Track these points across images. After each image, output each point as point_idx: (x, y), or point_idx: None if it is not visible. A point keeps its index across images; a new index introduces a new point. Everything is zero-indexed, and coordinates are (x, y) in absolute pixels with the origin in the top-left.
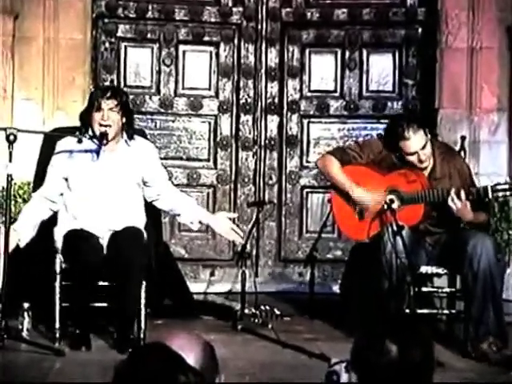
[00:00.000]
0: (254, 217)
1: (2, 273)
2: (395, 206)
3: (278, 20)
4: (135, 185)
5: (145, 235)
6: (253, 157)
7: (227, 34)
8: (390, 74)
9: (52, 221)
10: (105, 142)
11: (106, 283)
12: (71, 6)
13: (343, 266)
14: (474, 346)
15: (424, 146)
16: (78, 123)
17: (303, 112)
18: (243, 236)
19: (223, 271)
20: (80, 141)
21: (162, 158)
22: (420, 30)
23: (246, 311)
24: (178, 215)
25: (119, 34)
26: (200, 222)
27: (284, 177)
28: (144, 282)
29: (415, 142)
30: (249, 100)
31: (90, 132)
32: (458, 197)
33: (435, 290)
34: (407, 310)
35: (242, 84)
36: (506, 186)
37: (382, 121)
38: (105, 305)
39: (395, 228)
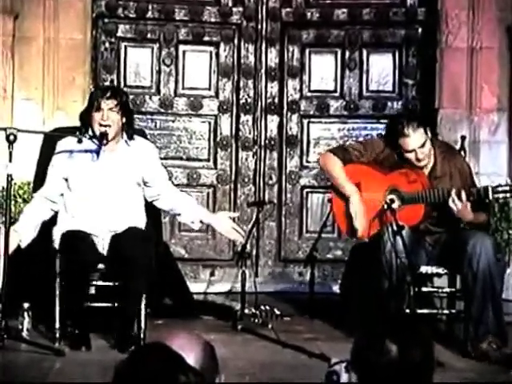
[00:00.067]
0: (254, 217)
1: (2, 273)
2: (395, 205)
3: (278, 20)
4: (135, 185)
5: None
6: (253, 157)
7: (227, 34)
8: (390, 74)
9: (52, 221)
10: (105, 142)
11: (107, 283)
12: (71, 5)
13: (343, 266)
14: (474, 346)
15: (423, 144)
16: (78, 123)
17: (303, 112)
18: (244, 235)
19: (223, 271)
20: (80, 141)
21: (161, 158)
22: (420, 29)
23: (246, 311)
24: (179, 215)
25: (119, 33)
26: (201, 222)
27: (284, 177)
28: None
29: (414, 139)
30: (249, 100)
31: (90, 132)
32: (459, 197)
33: (435, 289)
34: (407, 310)
35: (242, 84)
36: (507, 188)
37: (382, 121)
38: (105, 305)
39: (395, 228)
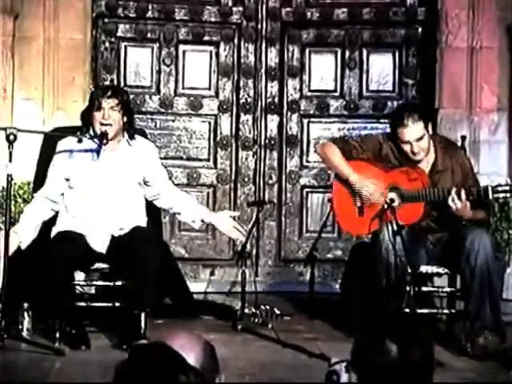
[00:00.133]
0: (254, 216)
1: (2, 273)
2: (396, 204)
3: (278, 20)
4: (137, 184)
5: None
6: (253, 156)
7: (227, 34)
8: (390, 74)
9: (53, 221)
10: (105, 141)
11: (107, 283)
12: (71, 5)
13: (343, 266)
14: (471, 341)
15: (420, 138)
16: (78, 123)
17: (303, 112)
18: (245, 234)
19: (223, 271)
20: (80, 140)
21: (162, 158)
22: (420, 29)
23: (246, 311)
24: (179, 214)
25: (119, 33)
26: (202, 221)
27: (284, 176)
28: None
29: (412, 131)
30: (249, 100)
31: (92, 132)
32: (459, 197)
33: (435, 289)
34: (407, 310)
35: (242, 84)
36: (507, 188)
37: (382, 121)
38: (105, 304)
39: (395, 227)
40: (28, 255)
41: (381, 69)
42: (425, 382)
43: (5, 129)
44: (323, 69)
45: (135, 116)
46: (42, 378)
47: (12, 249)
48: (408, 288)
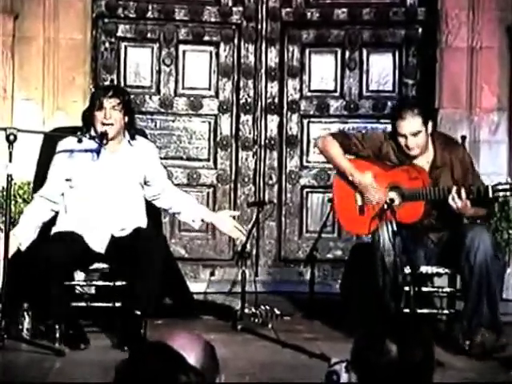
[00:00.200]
0: (254, 217)
1: (2, 273)
2: (396, 203)
3: (278, 20)
4: (137, 185)
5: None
6: (253, 157)
7: (227, 34)
8: (390, 74)
9: (53, 222)
10: (105, 141)
11: (107, 283)
12: (71, 5)
13: (343, 266)
14: (469, 340)
15: (416, 133)
16: (78, 123)
17: (303, 112)
18: (245, 234)
19: (223, 271)
20: (80, 141)
21: (162, 158)
22: (420, 29)
23: (246, 311)
24: (179, 213)
25: (119, 33)
26: (202, 220)
27: (284, 177)
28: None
29: (409, 124)
30: (249, 100)
31: (93, 132)
32: (459, 195)
33: (435, 289)
34: (407, 310)
35: (242, 84)
36: (507, 186)
37: (382, 121)
38: (105, 305)
39: (395, 227)
40: (28, 256)
41: (381, 69)
42: (425, 382)
43: (5, 129)
44: (323, 69)
45: (135, 116)
46: (42, 378)
47: (11, 251)
48: (408, 288)
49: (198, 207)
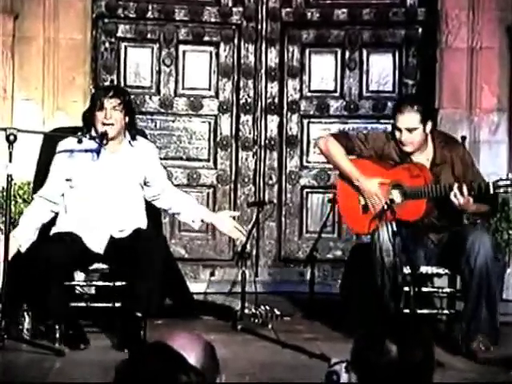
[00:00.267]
0: (254, 217)
1: (2, 274)
2: (399, 201)
3: (278, 20)
4: (137, 185)
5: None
6: (253, 157)
7: (227, 34)
8: (390, 74)
9: (53, 222)
10: (105, 141)
11: (107, 283)
12: (71, 5)
13: (343, 266)
14: (466, 345)
15: (412, 129)
16: (78, 123)
17: (303, 112)
18: (245, 234)
19: (223, 271)
20: (80, 141)
21: (162, 158)
22: (420, 29)
23: (246, 311)
24: (178, 214)
25: (119, 34)
26: (202, 221)
27: (284, 177)
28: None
29: (405, 118)
30: (249, 100)
31: (93, 132)
32: (461, 192)
33: (435, 290)
34: (407, 310)
35: (242, 84)
36: (508, 182)
37: (382, 121)
38: (105, 305)
39: (395, 228)
40: (28, 256)
41: (381, 69)
42: (425, 382)
43: (5, 129)
44: (323, 69)
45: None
46: (42, 378)
47: (11, 253)
48: (408, 288)
49: (197, 208)
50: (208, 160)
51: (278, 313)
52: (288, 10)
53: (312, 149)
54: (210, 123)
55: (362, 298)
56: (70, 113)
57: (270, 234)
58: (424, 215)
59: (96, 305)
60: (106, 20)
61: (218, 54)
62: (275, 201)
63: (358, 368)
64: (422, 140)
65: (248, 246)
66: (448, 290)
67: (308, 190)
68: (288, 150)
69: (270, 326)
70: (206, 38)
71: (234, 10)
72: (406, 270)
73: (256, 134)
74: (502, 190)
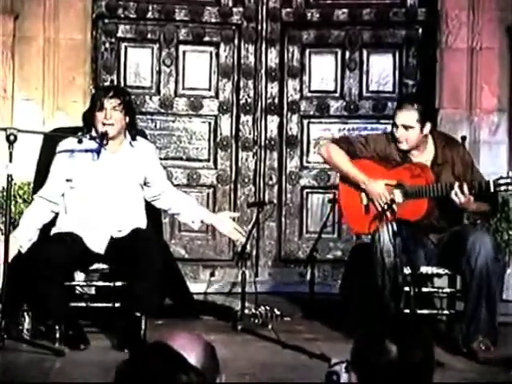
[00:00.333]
0: (254, 217)
1: (3, 274)
2: (400, 201)
3: (278, 20)
4: (137, 185)
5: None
6: (253, 157)
7: (227, 35)
8: (390, 75)
9: (52, 222)
10: (105, 141)
11: (107, 283)
12: (71, 6)
13: (343, 266)
14: (466, 346)
15: (408, 127)
16: (78, 123)
17: (303, 112)
18: (245, 235)
19: (223, 271)
20: (80, 141)
21: (162, 159)
22: (420, 30)
23: (246, 311)
24: (178, 214)
25: (119, 34)
26: (202, 222)
27: (284, 177)
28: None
29: (403, 115)
30: (249, 100)
31: (93, 132)
32: (462, 191)
33: (435, 290)
34: (407, 311)
35: (242, 84)
36: (509, 180)
37: (382, 121)
38: (105, 305)
39: (395, 228)
40: (28, 256)
41: (381, 69)
42: (425, 382)
43: (5, 129)
44: (323, 69)
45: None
46: (42, 378)
47: (12, 254)
48: (408, 288)
49: (197, 208)
50: (208, 160)
51: (278, 313)
52: (288, 10)
53: (312, 149)
54: (210, 123)
55: (362, 298)
56: (70, 113)
57: (270, 235)
58: (425, 215)
59: (96, 305)
60: (106, 20)
61: (218, 55)
62: (275, 201)
63: (358, 368)
64: (417, 140)
65: (248, 247)
66: (448, 290)
67: (308, 190)
68: (288, 150)
69: (270, 327)
70: (206, 39)
71: (234, 10)
72: (406, 270)
73: (256, 134)
74: (502, 188)
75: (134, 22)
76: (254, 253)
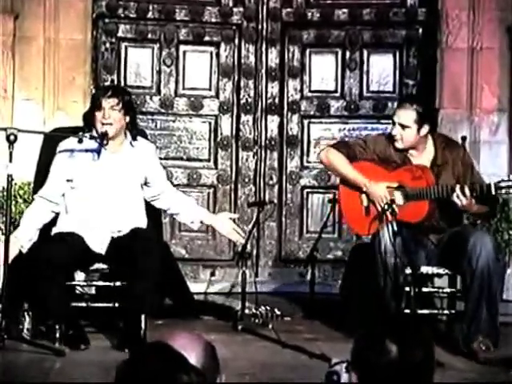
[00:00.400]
0: (255, 217)
1: (3, 274)
2: (401, 202)
3: (279, 20)
4: (137, 185)
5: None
6: (253, 157)
7: (228, 35)
8: (390, 75)
9: (53, 222)
10: (105, 141)
11: (107, 283)
12: (72, 5)
13: (343, 266)
14: (467, 346)
15: (405, 126)
16: (78, 123)
17: (304, 112)
18: (244, 236)
19: (223, 271)
20: (80, 141)
21: (162, 158)
22: (420, 30)
23: (247, 311)
24: (177, 214)
25: (120, 34)
26: (201, 222)
27: (284, 177)
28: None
29: (401, 113)
30: (249, 100)
31: (94, 132)
32: (463, 193)
33: (436, 290)
34: (407, 310)
35: (242, 84)
36: (510, 183)
37: (383, 121)
38: (105, 305)
39: (396, 228)
40: (28, 256)
41: (381, 69)
42: (425, 382)
43: (5, 129)
44: (324, 69)
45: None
46: (43, 378)
47: (13, 254)
48: (408, 289)
49: (197, 209)
50: (208, 160)
51: (278, 313)
52: (288, 10)
53: (312, 149)
54: (210, 123)
55: (362, 299)
56: (70, 113)
57: (270, 234)
58: (426, 217)
59: (96, 305)
60: (107, 20)
61: (218, 54)
62: (275, 201)
63: (359, 368)
64: (413, 141)
65: (248, 246)
66: (448, 290)
67: (308, 190)
68: (288, 150)
69: (270, 326)
70: (207, 38)
71: (235, 10)
72: (407, 270)
73: (256, 134)
74: (503, 191)
75: (135, 22)
76: (255, 253)
